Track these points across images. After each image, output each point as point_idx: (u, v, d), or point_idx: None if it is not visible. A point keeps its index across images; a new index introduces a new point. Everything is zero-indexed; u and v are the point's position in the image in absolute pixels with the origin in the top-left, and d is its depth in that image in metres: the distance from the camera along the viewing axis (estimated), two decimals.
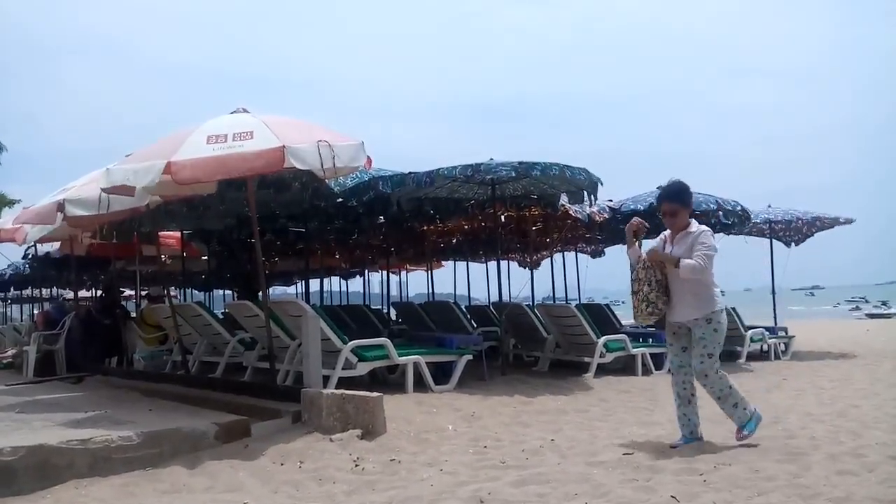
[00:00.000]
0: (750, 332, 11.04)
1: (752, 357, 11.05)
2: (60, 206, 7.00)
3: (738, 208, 10.41)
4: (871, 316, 38.01)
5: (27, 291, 21.22)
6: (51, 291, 18.48)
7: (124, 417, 5.62)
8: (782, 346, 11.72)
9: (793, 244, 13.23)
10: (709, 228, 4.75)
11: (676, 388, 4.88)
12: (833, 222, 12.58)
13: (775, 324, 12.59)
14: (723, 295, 4.80)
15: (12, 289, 21.45)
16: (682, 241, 4.75)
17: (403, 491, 4.04)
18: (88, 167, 8.24)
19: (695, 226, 4.78)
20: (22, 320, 21.68)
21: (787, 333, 12.08)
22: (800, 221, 12.50)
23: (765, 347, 11.49)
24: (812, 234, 13.00)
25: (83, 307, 11.72)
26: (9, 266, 17.59)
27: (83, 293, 17.26)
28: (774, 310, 13.25)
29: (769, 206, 12.85)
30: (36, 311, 16.31)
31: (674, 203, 4.84)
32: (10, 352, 12.70)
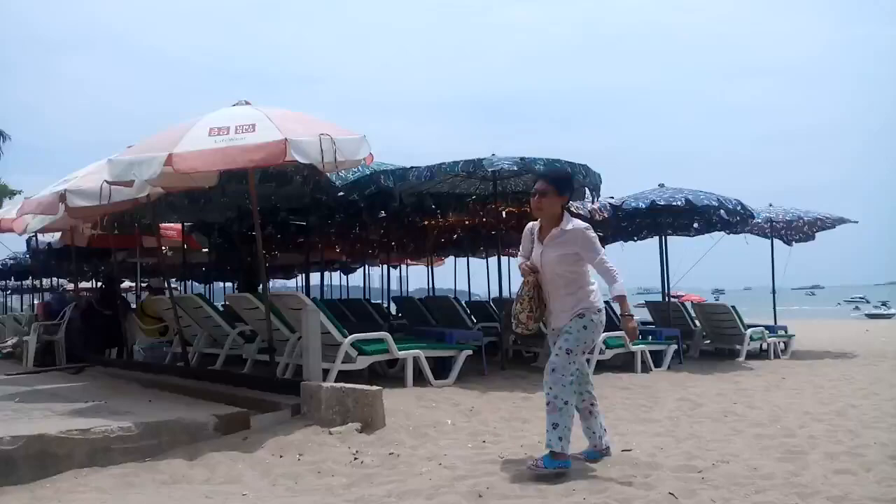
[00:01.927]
0: (749, 330, 11.05)
1: (751, 355, 11.07)
2: (62, 197, 6.99)
3: (740, 207, 10.41)
4: (871, 316, 38.04)
5: (28, 282, 21.22)
6: (51, 282, 18.48)
7: (124, 408, 5.63)
8: (782, 345, 11.73)
9: (794, 243, 13.23)
10: (588, 225, 4.15)
11: (574, 400, 4.21)
12: (835, 222, 12.58)
13: (775, 322, 12.60)
14: (600, 299, 4.27)
15: (13, 279, 21.48)
16: (556, 243, 4.11)
17: (402, 484, 4.05)
18: (90, 159, 8.24)
19: (571, 222, 4.13)
20: (22, 310, 21.70)
21: (786, 332, 12.10)
22: (801, 221, 12.51)
23: (764, 346, 11.50)
24: (813, 234, 13.00)
25: (83, 298, 11.73)
26: (10, 256, 17.62)
27: (84, 284, 17.28)
28: (774, 308, 13.26)
29: (770, 205, 12.85)
30: (36, 302, 16.32)
31: (549, 184, 4.17)
32: (11, 341, 12.69)
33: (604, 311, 4.19)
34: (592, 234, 4.10)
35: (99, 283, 14.83)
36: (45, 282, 16.40)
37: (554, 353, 4.06)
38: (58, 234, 10.83)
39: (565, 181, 4.33)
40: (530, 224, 4.28)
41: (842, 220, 12.58)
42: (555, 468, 4.02)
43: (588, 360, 8.62)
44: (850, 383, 8.33)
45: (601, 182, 8.33)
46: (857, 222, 12.86)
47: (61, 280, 18.37)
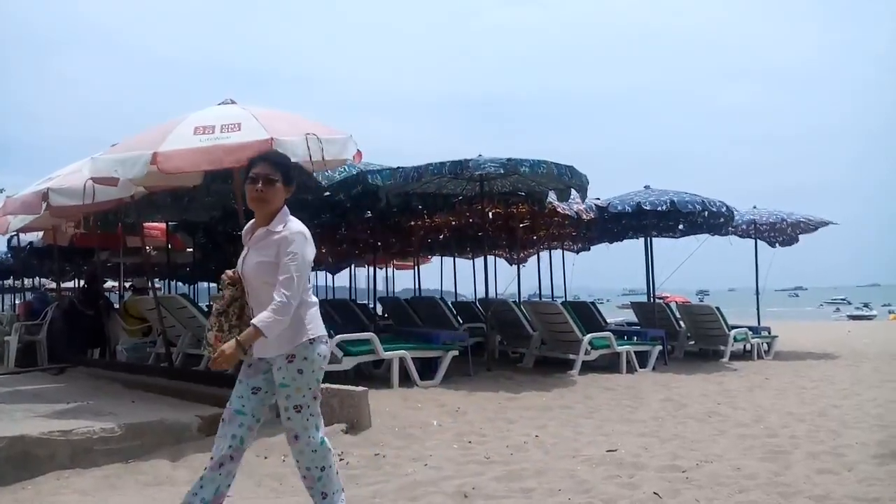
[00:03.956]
0: (733, 331, 11.15)
1: (735, 356, 11.16)
2: (45, 196, 6.92)
3: (724, 209, 10.49)
4: (853, 317, 38.47)
5: (9, 281, 20.98)
6: (33, 281, 18.29)
7: (106, 409, 5.57)
8: (765, 346, 11.84)
9: (777, 245, 13.35)
10: (305, 230, 3.12)
11: (217, 443, 3.12)
12: (817, 224, 12.71)
13: (759, 324, 12.71)
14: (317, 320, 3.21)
15: None
16: (263, 244, 3.09)
17: (387, 485, 4.04)
18: (74, 157, 8.15)
19: (286, 223, 3.11)
20: (3, 310, 21.44)
21: (769, 333, 12.21)
22: (784, 223, 12.63)
23: (748, 347, 11.59)
24: (796, 236, 13.13)
25: (66, 298, 11.60)
26: None
27: (66, 284, 17.09)
28: (758, 310, 13.38)
29: (754, 207, 12.96)
30: (18, 301, 16.13)
31: (277, 170, 3.12)
32: None
33: (323, 339, 3.16)
34: (304, 243, 3.05)
35: (81, 283, 14.68)
36: (27, 281, 16.25)
37: (285, 417, 3.10)
38: (40, 234, 10.72)
39: (293, 169, 3.28)
40: (251, 222, 3.24)
41: (823, 223, 12.72)
42: None
43: (573, 362, 8.69)
44: (832, 384, 8.42)
45: (588, 183, 8.36)
46: (838, 224, 13.02)
47: (43, 280, 18.17)
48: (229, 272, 3.26)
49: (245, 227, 3.28)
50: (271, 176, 3.09)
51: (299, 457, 3.14)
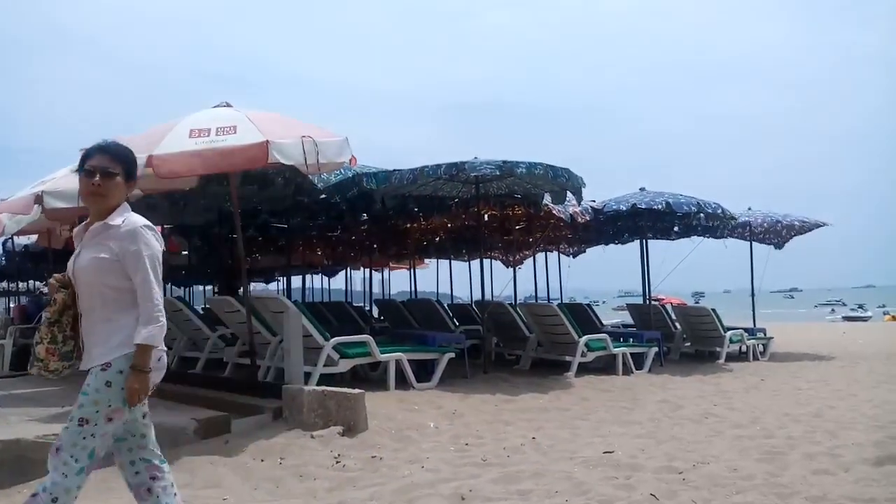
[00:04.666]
0: (729, 332, 11.17)
1: (731, 357, 11.18)
2: (38, 199, 6.90)
3: (720, 210, 10.51)
4: (848, 319, 38.61)
5: (3, 285, 20.91)
6: (28, 285, 18.24)
7: None
8: (761, 347, 11.86)
9: (773, 247, 13.40)
10: (149, 223, 2.77)
11: (124, 475, 2.89)
12: (811, 226, 12.76)
13: (754, 325, 12.74)
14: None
15: None
16: (101, 239, 2.70)
17: (385, 487, 4.03)
18: (66, 162, 8.13)
19: (125, 216, 2.74)
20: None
21: (765, 335, 12.23)
22: (779, 225, 12.66)
23: (744, 348, 11.62)
24: (791, 237, 13.16)
25: None
26: None
27: None
28: (753, 311, 13.40)
29: (749, 209, 13.00)
30: (12, 305, 16.09)
31: (118, 163, 2.78)
32: None
33: (161, 354, 2.77)
34: (151, 237, 2.71)
35: None
36: (22, 285, 16.21)
37: (64, 426, 2.68)
38: (34, 237, 10.69)
39: (134, 164, 2.92)
40: (81, 224, 2.85)
41: (818, 225, 12.76)
42: None
43: (569, 364, 8.70)
44: (828, 385, 8.44)
45: (584, 185, 8.37)
46: (832, 225, 13.06)
47: (38, 283, 18.13)
48: (58, 275, 2.84)
49: (75, 230, 2.86)
50: (111, 169, 2.73)
51: (49, 474, 2.65)
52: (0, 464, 4.25)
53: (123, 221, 2.71)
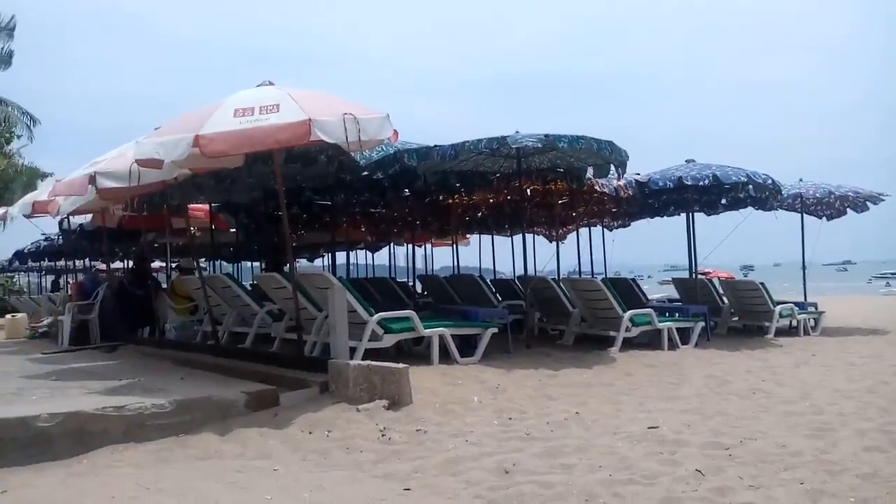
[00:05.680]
0: (779, 307, 10.92)
1: (780, 332, 10.94)
2: (92, 179, 7.10)
3: (769, 182, 10.23)
4: None
5: (61, 263, 21.63)
6: (84, 263, 18.81)
7: (157, 385, 5.75)
8: (812, 322, 11.57)
9: (825, 219, 13.00)
10: None
11: None
12: (866, 198, 12.33)
13: (805, 299, 12.43)
14: None
15: (46, 259, 21.89)
16: None
17: (429, 460, 4.10)
18: (115, 143, 8.32)
19: None
20: (57, 291, 22.13)
21: (816, 309, 11.93)
22: (832, 196, 12.27)
23: (794, 323, 11.35)
24: (845, 210, 12.75)
25: (116, 278, 11.95)
26: (43, 237, 17.96)
27: (115, 264, 17.56)
28: (804, 285, 13.08)
29: (800, 181, 12.62)
30: (70, 282, 16.64)
31: None
32: (46, 321, 13.01)
33: None
34: None
35: (130, 264, 15.07)
36: (78, 263, 16.72)
37: None
38: (89, 216, 11.02)
39: None
40: None
41: (872, 196, 12.32)
42: None
43: (613, 339, 8.64)
44: (881, 360, 8.22)
45: (627, 158, 8.24)
46: (889, 197, 12.58)
47: (93, 261, 18.70)
48: None
49: None
50: None
51: None
52: (61, 434, 4.44)
53: None
